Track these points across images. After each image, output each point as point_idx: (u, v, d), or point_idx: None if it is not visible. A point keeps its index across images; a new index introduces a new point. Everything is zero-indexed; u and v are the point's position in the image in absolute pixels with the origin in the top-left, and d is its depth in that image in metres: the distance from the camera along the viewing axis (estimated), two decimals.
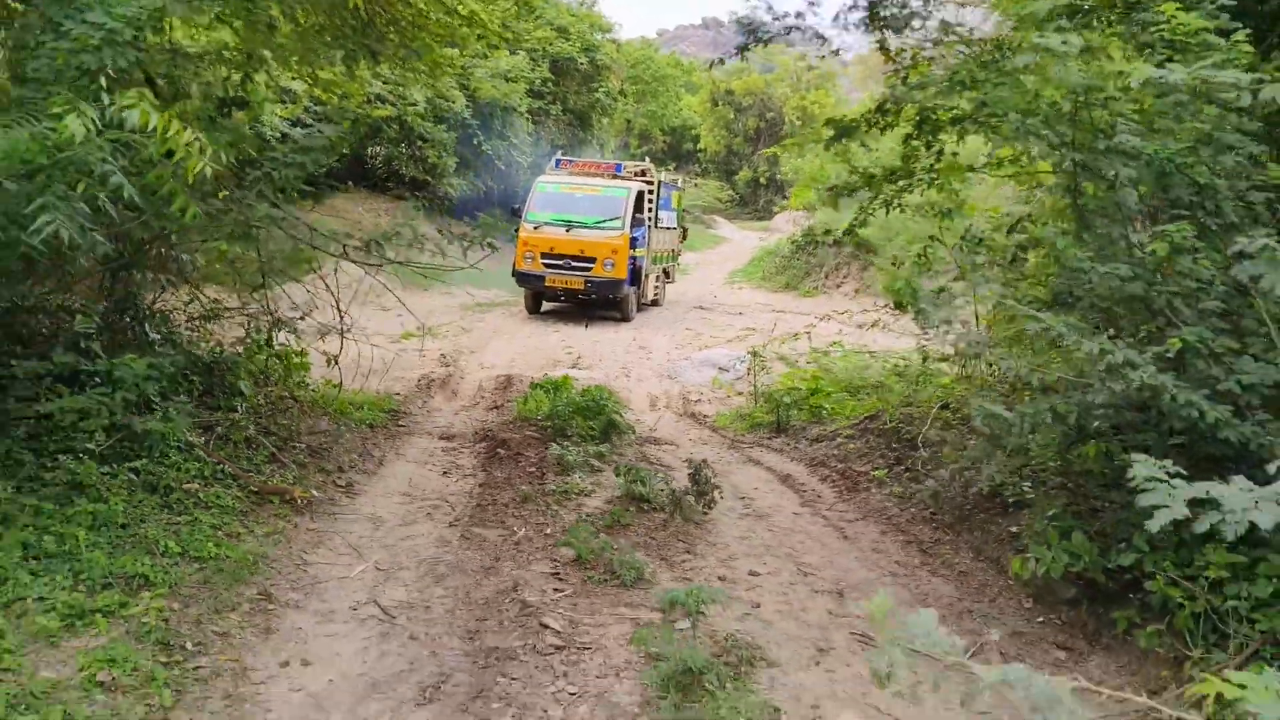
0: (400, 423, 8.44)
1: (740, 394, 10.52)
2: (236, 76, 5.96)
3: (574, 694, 3.54)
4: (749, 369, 10.36)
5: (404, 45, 9.86)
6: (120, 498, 4.53)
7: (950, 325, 4.01)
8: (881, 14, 6.03)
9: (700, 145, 45.07)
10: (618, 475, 5.91)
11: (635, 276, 15.37)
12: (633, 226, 15.18)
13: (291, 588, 4.40)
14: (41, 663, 3.34)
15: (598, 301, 15.41)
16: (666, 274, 18.81)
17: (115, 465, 4.74)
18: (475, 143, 21.92)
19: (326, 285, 8.17)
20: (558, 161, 17.53)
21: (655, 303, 17.66)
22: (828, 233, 14.04)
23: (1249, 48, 3.49)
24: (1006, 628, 4.21)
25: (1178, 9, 3.59)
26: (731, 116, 43.05)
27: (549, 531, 5.30)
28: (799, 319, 13.66)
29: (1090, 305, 3.88)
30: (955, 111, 4.98)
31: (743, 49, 7.40)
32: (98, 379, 4.84)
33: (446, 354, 12.64)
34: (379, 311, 13.14)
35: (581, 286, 15.00)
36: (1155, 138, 3.55)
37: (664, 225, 17.70)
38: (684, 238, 20.36)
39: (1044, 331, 3.60)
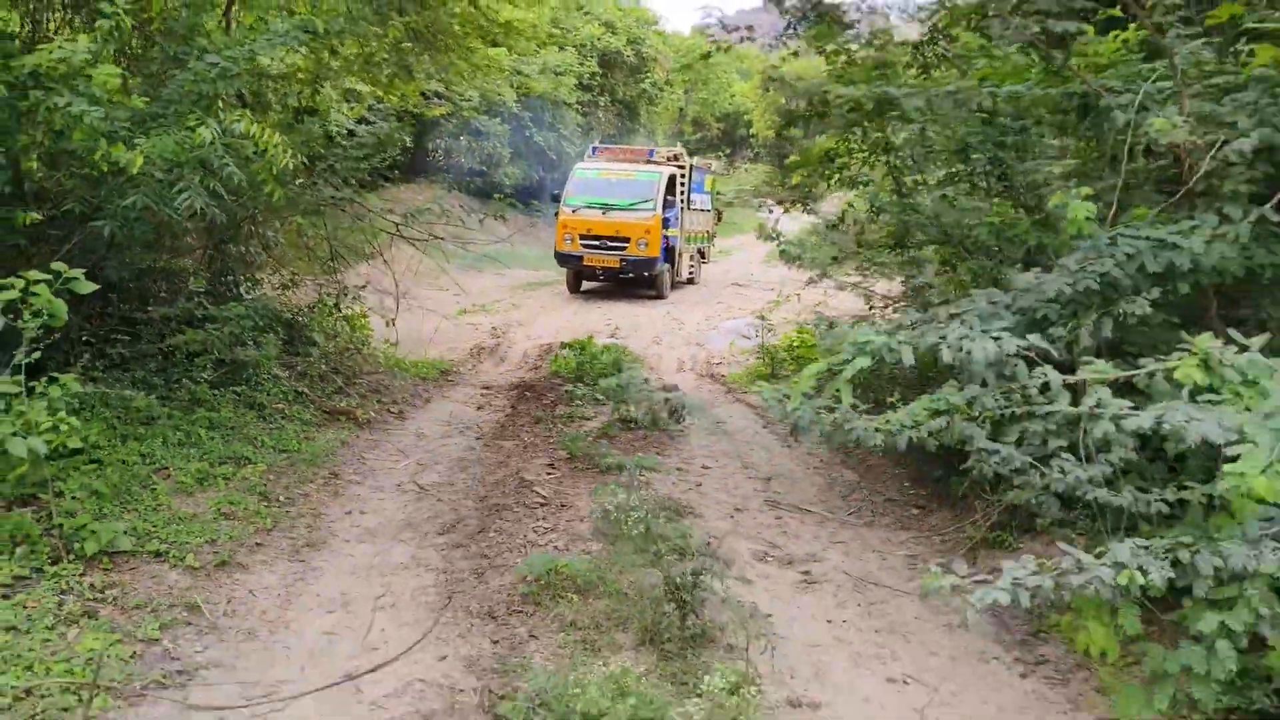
0: (449, 378, 10.02)
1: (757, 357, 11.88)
2: (307, 91, 7.57)
3: (548, 529, 5.04)
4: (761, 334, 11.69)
5: (446, 51, 11.58)
6: (227, 410, 6.17)
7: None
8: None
9: (753, 130, 46.09)
10: (612, 404, 7.39)
11: (668, 254, 16.48)
12: (665, 208, 16.25)
13: (353, 473, 5.99)
14: (184, 504, 4.94)
15: (633, 279, 16.50)
16: (701, 254, 20.02)
17: (222, 389, 6.39)
18: (527, 134, 23.58)
19: (384, 260, 9.82)
20: (594, 149, 18.63)
21: (691, 281, 18.94)
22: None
23: (1021, 58, 4.73)
24: (883, 495, 5.60)
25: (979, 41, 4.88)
26: (782, 101, 43.88)
27: (553, 442, 6.80)
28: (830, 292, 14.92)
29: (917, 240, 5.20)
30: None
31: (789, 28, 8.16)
32: (209, 323, 6.47)
33: (497, 327, 14.19)
34: (438, 290, 14.88)
35: (617, 265, 16.07)
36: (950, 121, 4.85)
37: (697, 207, 18.93)
38: (718, 220, 21.48)
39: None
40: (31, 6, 6.28)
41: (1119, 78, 3.97)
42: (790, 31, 8.14)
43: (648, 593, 3.84)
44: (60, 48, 4.66)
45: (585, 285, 17.62)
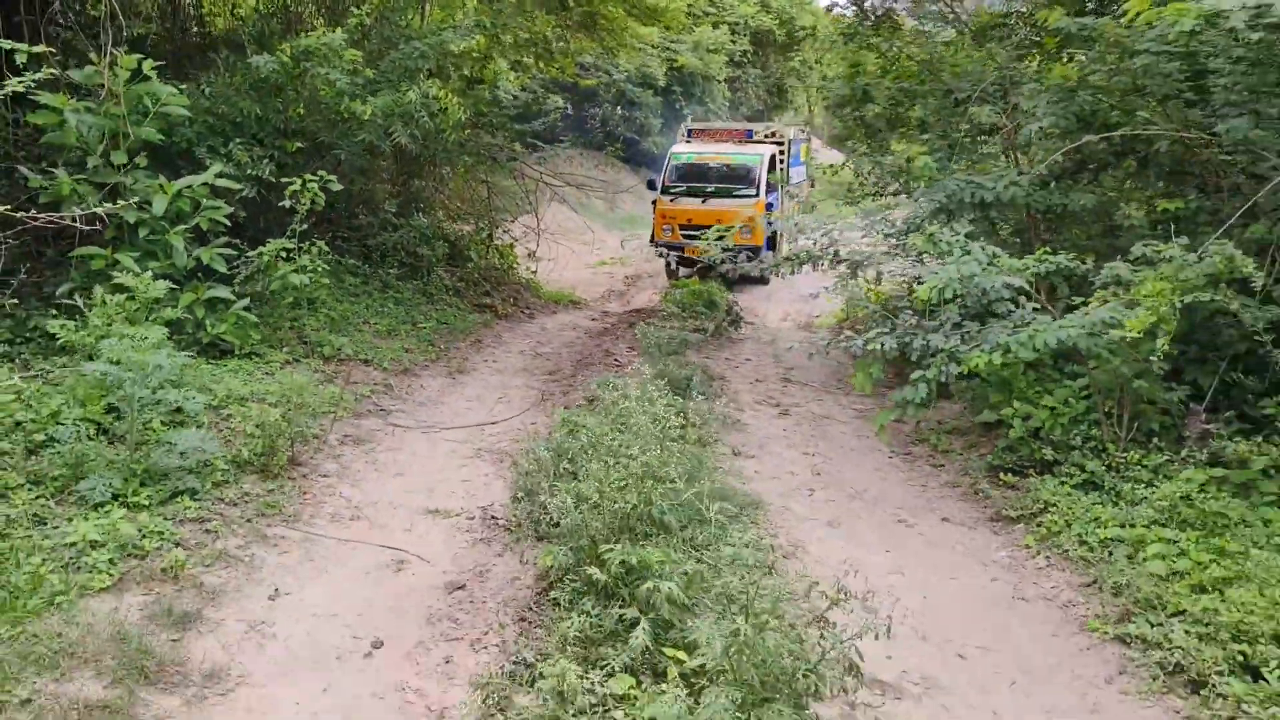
0: (578, 306, 12.57)
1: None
2: (478, 66, 10.18)
3: (617, 373, 7.46)
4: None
5: (600, 32, 14.28)
6: (407, 294, 8.85)
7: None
8: None
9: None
10: (686, 318, 9.72)
11: (772, 242, 15.62)
12: (767, 191, 15.76)
13: (491, 341, 8.59)
14: (380, 340, 7.60)
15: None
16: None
17: (405, 280, 9.09)
18: (678, 107, 25.99)
19: (535, 213, 12.46)
20: (689, 131, 18.15)
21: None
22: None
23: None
24: None
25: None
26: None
27: (637, 340, 9.21)
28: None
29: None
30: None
31: None
32: (397, 231, 9.18)
33: (629, 277, 16.72)
34: (582, 245, 17.56)
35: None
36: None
37: (795, 182, 18.80)
38: (813, 185, 21.85)
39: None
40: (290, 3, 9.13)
41: (969, 78, 5.97)
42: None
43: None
44: (324, 35, 7.35)
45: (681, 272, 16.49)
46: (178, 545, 3.90)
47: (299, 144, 7.64)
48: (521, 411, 6.47)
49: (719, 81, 26.95)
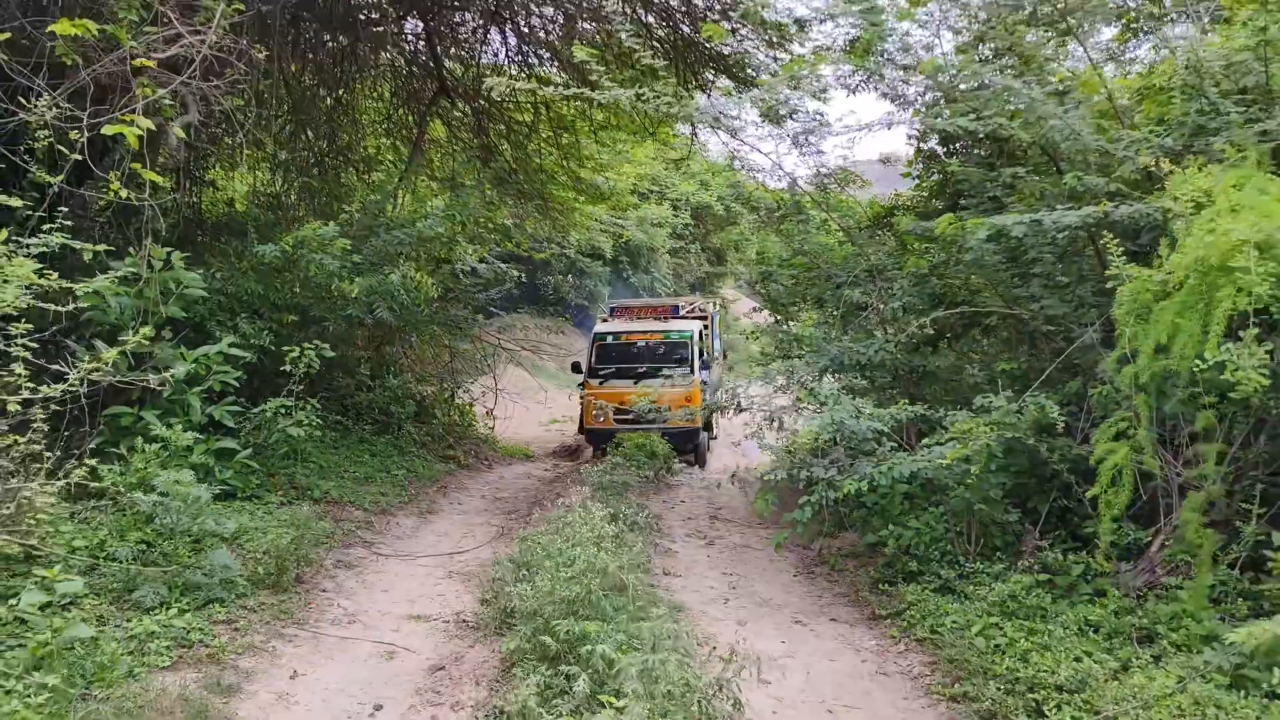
0: (530, 459, 13.77)
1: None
2: (445, 248, 11.67)
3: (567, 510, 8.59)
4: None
5: (551, 214, 16.06)
6: (380, 446, 10.00)
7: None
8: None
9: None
10: (635, 467, 10.93)
11: (708, 422, 14.89)
12: (701, 369, 14.99)
13: (455, 488, 9.71)
14: (360, 486, 8.69)
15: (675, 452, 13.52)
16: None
17: (379, 435, 10.24)
18: (625, 276, 27.98)
19: (491, 370, 13.82)
20: (611, 309, 17.60)
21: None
22: None
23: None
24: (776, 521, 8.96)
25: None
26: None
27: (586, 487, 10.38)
28: None
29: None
30: None
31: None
32: (371, 392, 10.40)
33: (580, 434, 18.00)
34: (536, 404, 18.87)
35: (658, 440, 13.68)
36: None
37: (718, 352, 18.56)
38: (725, 356, 21.02)
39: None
40: (285, 200, 10.61)
41: (844, 268, 7.53)
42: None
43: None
44: (318, 229, 8.75)
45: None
46: (215, 639, 4.93)
47: (293, 317, 8.94)
48: (485, 543, 7.56)
49: (663, 252, 29.07)
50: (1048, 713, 4.41)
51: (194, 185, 10.23)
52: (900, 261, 7.29)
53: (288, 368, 7.95)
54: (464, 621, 5.68)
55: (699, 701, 3.91)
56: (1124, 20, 7.22)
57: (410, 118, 15.40)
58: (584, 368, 15.05)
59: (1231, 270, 3.86)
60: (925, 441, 6.18)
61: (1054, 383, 6.21)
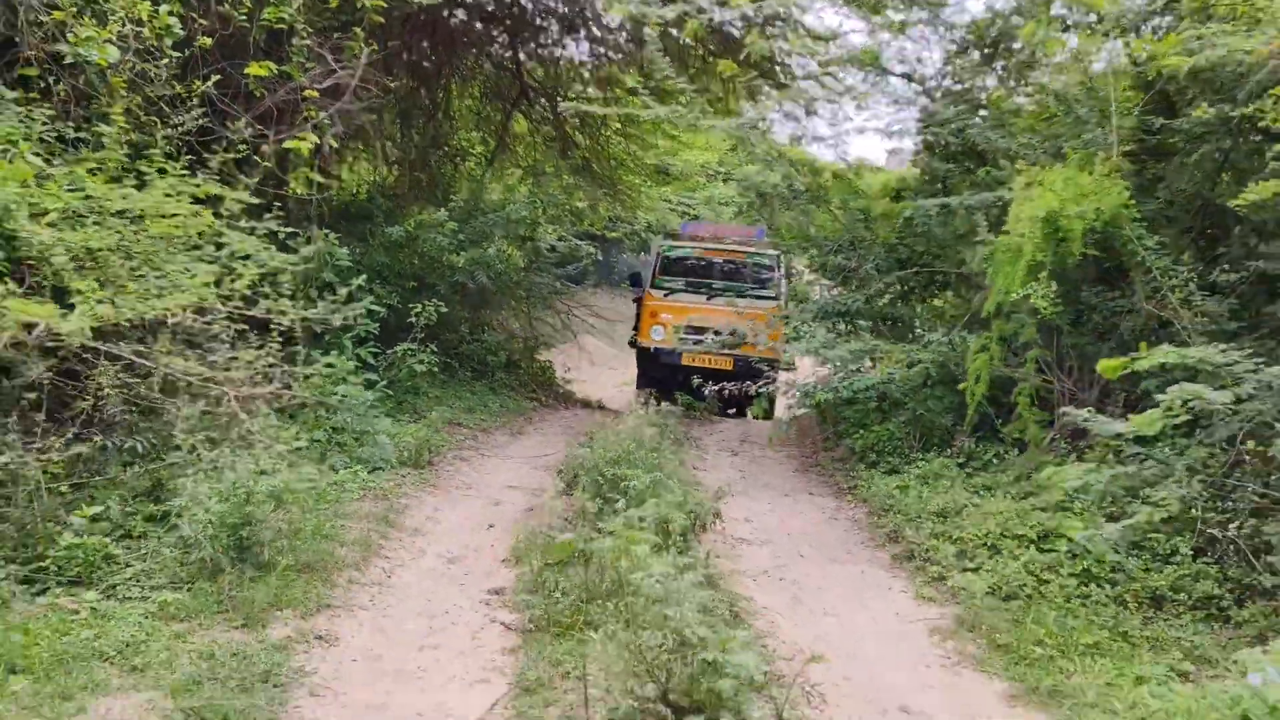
0: (603, 409, 16.36)
1: None
2: (529, 227, 14.29)
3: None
4: None
5: (622, 196, 18.56)
6: (479, 388, 12.66)
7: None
8: None
9: None
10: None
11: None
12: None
13: (538, 420, 12.33)
14: (461, 417, 11.35)
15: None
16: None
17: (477, 380, 12.92)
18: None
19: (573, 336, 16.44)
20: (685, 227, 16.17)
21: None
22: None
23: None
24: (800, 447, 11.37)
25: None
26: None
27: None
28: None
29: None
30: None
31: None
32: (492, 346, 13.09)
33: None
34: (610, 370, 21.56)
35: (730, 367, 12.45)
36: None
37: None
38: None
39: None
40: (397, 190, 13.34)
41: (832, 239, 9.89)
42: None
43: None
44: (432, 213, 11.40)
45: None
46: (383, 488, 7.59)
47: (413, 283, 11.63)
48: (560, 450, 10.15)
49: None
50: (920, 527, 6.80)
51: (333, 180, 13.01)
52: (875, 233, 9.61)
53: (411, 320, 10.62)
54: (545, 489, 8.27)
55: (690, 509, 6.40)
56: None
57: (497, 115, 18.12)
58: (644, 280, 13.65)
59: (1022, 236, 6.16)
60: (882, 366, 8.56)
61: (980, 322, 8.51)
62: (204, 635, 4.59)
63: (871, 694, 4.67)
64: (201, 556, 5.17)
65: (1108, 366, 5.37)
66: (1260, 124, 5.86)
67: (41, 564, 5.00)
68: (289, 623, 4.89)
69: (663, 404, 10.64)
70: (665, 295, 13.36)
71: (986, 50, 8.73)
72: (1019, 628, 5.30)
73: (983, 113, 8.69)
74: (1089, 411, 5.15)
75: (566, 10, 15.26)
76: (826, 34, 12.44)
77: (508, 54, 16.97)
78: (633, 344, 13.73)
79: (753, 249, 13.99)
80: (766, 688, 4.21)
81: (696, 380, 10.48)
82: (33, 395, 5.44)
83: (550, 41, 17.22)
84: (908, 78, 10.95)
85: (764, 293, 13.10)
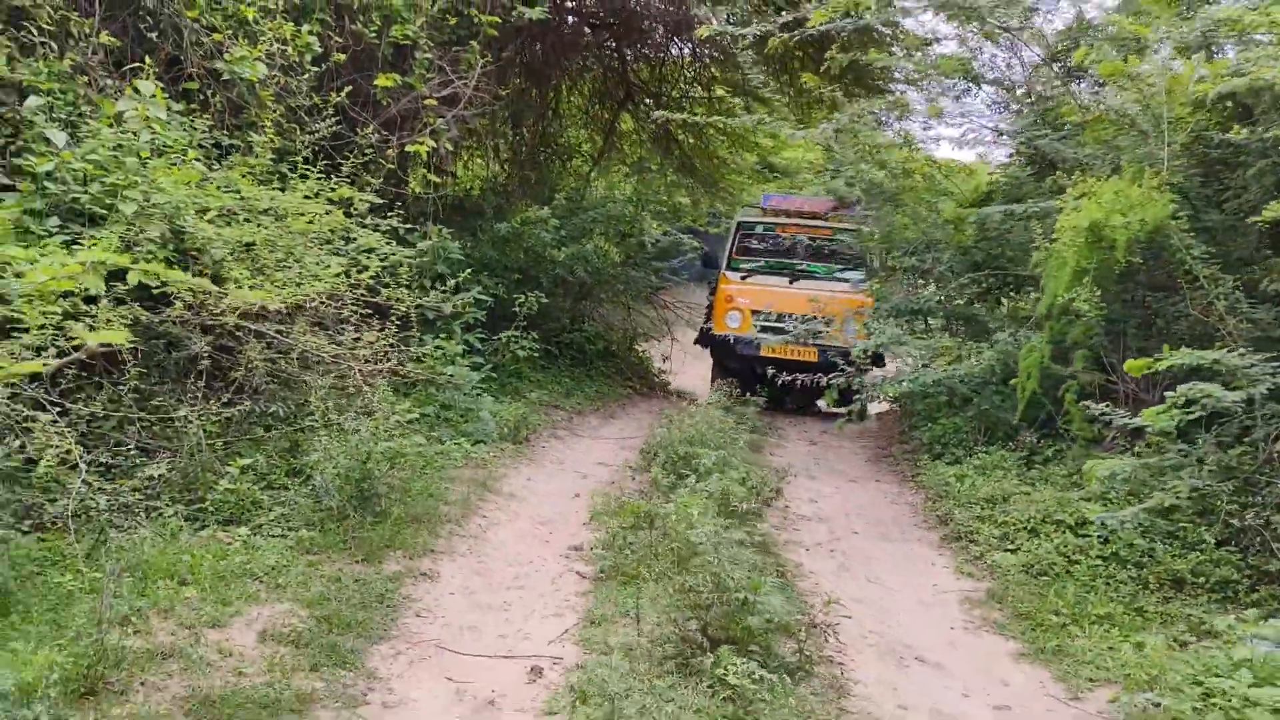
0: (695, 402, 17.18)
1: None
2: (628, 224, 15.18)
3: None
4: None
5: (723, 191, 19.27)
6: (578, 374, 13.62)
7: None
8: None
9: None
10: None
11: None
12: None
13: (630, 406, 13.23)
14: (559, 401, 12.32)
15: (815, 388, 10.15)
16: None
17: (575, 367, 13.89)
18: None
19: (668, 329, 17.30)
20: (766, 198, 14.56)
21: None
22: None
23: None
24: (874, 439, 11.96)
25: None
26: None
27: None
28: None
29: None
30: None
31: None
32: (590, 335, 14.07)
33: None
34: (705, 362, 22.31)
35: (814, 358, 11.68)
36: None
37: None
38: None
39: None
40: (507, 187, 14.40)
41: (907, 243, 10.47)
42: None
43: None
44: (536, 210, 12.39)
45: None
46: (483, 457, 8.57)
47: (518, 275, 12.65)
48: (646, 434, 11.02)
49: None
50: (969, 511, 7.42)
51: (445, 178, 14.15)
52: (949, 236, 10.16)
53: (516, 309, 11.63)
54: (630, 466, 9.14)
55: (753, 485, 7.18)
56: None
57: (604, 114, 19.09)
58: (721, 260, 12.80)
59: (1068, 245, 6.72)
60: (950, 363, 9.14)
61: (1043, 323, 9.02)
62: (332, 565, 5.60)
63: (893, 645, 5.40)
64: (329, 504, 6.21)
65: (1133, 366, 5.98)
66: None
67: (202, 505, 6.09)
68: (399, 561, 5.88)
69: (747, 396, 10.37)
70: (743, 278, 12.41)
71: (1065, 64, 9.21)
72: (1041, 600, 5.93)
73: (1061, 124, 9.17)
74: (1106, 405, 5.74)
75: (672, 15, 16.10)
76: (919, 40, 13.04)
77: (614, 56, 17.92)
78: (703, 336, 12.69)
79: (843, 224, 12.63)
80: (795, 631, 4.97)
81: (776, 374, 10.27)
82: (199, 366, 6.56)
83: (655, 44, 18.09)
84: (997, 83, 11.51)
85: (854, 274, 12.09)
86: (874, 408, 11.92)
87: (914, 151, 11.95)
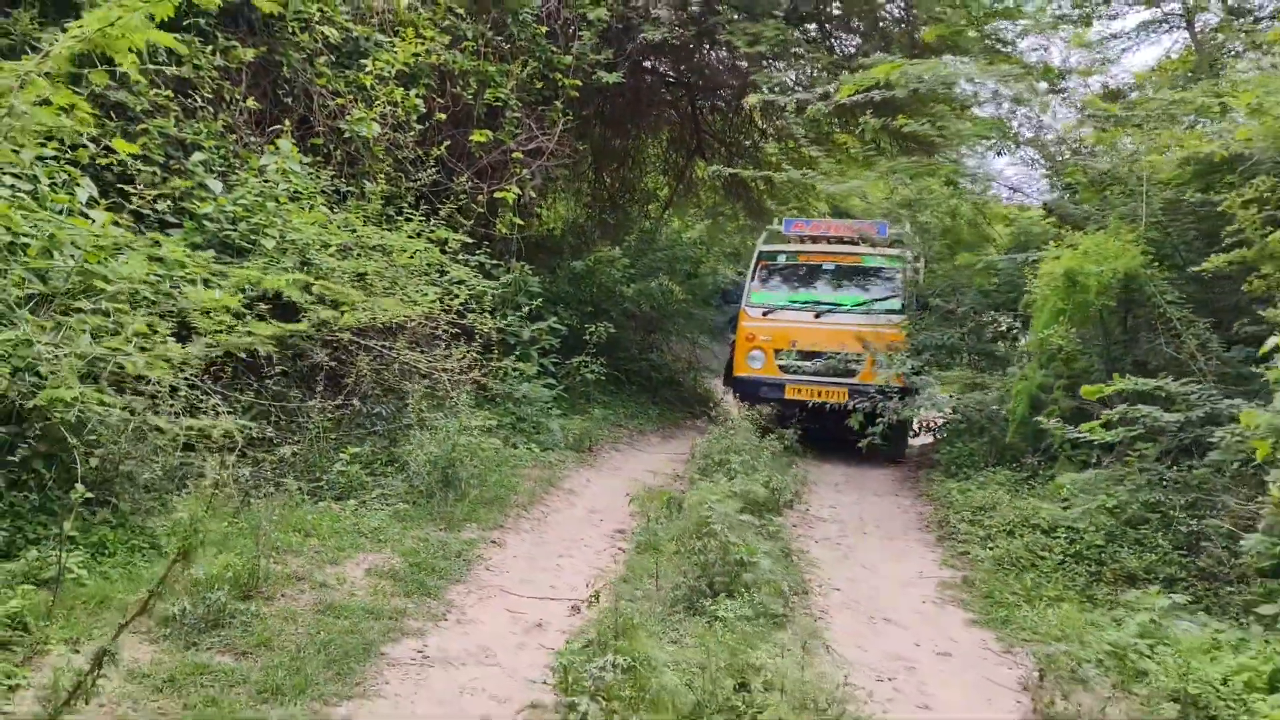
0: None
1: None
2: (694, 265, 16.60)
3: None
4: None
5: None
6: (642, 400, 15.04)
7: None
8: None
9: None
10: None
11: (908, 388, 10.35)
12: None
13: (690, 429, 14.57)
14: (624, 421, 13.73)
15: (847, 429, 10.74)
16: None
17: (642, 393, 15.30)
18: None
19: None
20: (789, 223, 13.41)
21: None
22: None
23: None
24: (899, 462, 13.10)
25: None
26: None
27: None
28: None
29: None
30: None
31: None
32: (657, 364, 15.51)
33: None
34: None
35: (844, 398, 11.28)
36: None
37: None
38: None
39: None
40: (586, 227, 15.98)
41: (932, 287, 11.62)
42: None
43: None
44: (608, 251, 13.91)
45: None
46: (549, 461, 10.02)
47: (590, 308, 14.17)
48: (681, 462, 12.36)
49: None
50: (962, 517, 8.59)
51: (529, 220, 15.82)
52: (971, 279, 11.34)
53: (587, 338, 13.12)
54: (679, 475, 10.49)
55: (774, 486, 8.48)
56: None
57: (679, 160, 20.65)
58: (743, 295, 12.00)
59: (1047, 288, 7.93)
60: (961, 392, 10.31)
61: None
62: (421, 530, 7.09)
63: (869, 611, 6.63)
64: (420, 486, 7.72)
65: (1089, 391, 7.18)
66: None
67: (319, 483, 7.66)
68: (474, 531, 7.34)
69: (781, 434, 10.25)
70: (764, 314, 11.60)
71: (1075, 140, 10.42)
72: (1004, 585, 7.10)
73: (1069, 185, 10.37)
74: (1057, 422, 6.93)
75: (738, 75, 17.61)
76: (958, 101, 14.27)
77: (689, 108, 19.50)
78: (728, 377, 11.85)
79: (873, 251, 12.05)
80: (784, 593, 6.26)
81: (799, 418, 10.82)
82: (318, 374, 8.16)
83: (727, 99, 19.63)
84: (1032, 144, 12.70)
85: (886, 304, 11.35)
86: (917, 439, 13.10)
87: (964, 199, 13.22)
